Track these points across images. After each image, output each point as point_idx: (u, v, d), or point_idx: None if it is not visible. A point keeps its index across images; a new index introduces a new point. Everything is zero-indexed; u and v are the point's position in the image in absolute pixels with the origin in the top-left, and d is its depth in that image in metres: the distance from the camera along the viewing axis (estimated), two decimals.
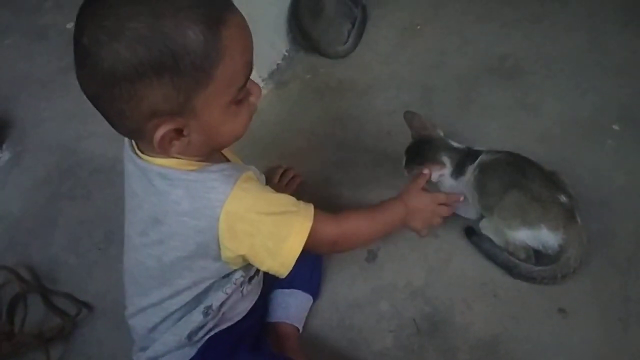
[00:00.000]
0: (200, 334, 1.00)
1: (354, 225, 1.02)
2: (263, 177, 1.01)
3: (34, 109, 1.92)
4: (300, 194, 1.41)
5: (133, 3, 0.69)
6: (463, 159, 1.25)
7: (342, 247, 1.06)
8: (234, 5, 0.77)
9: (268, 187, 0.91)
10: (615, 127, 1.39)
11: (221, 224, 0.82)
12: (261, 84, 1.73)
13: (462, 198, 1.22)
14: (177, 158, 0.83)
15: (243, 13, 1.56)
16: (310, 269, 1.27)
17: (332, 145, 1.57)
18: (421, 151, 1.28)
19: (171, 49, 0.69)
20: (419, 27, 1.80)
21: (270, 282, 1.23)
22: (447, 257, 1.28)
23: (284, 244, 0.86)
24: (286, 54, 1.82)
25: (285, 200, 0.90)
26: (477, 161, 1.23)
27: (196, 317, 0.97)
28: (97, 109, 0.77)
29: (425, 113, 1.53)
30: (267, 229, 0.86)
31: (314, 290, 1.27)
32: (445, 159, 1.25)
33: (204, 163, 0.86)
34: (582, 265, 1.16)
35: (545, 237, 1.14)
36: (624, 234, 1.22)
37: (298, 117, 1.68)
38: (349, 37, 1.78)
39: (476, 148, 1.28)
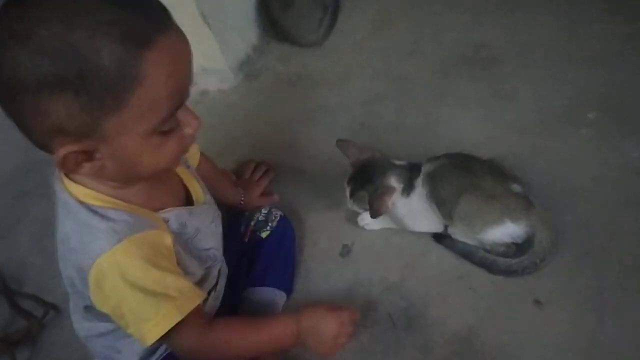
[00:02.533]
0: (154, 358, 0.97)
1: (225, 337, 0.91)
2: (194, 230, 0.94)
3: None
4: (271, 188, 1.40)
5: (49, 8, 0.63)
6: (409, 174, 1.20)
7: (206, 357, 0.93)
8: (171, 23, 0.70)
9: (160, 263, 0.80)
10: (590, 116, 1.39)
11: (91, 276, 0.77)
12: (231, 76, 1.72)
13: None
14: (88, 186, 0.79)
15: (212, 5, 1.54)
16: (282, 265, 1.26)
17: (304, 137, 1.55)
18: (367, 177, 1.21)
19: (79, 66, 0.62)
20: (392, 16, 1.77)
21: (242, 280, 1.22)
22: (422, 251, 1.27)
23: (144, 326, 0.79)
24: (256, 43, 1.79)
25: (170, 282, 0.80)
26: (421, 174, 1.20)
27: (139, 347, 0.94)
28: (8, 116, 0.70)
29: (400, 104, 1.53)
30: (131, 303, 0.78)
31: (287, 286, 1.25)
32: (394, 181, 1.19)
33: (115, 200, 0.80)
34: (556, 247, 1.16)
35: (512, 230, 1.13)
36: (598, 224, 1.21)
37: (270, 109, 1.66)
38: (320, 26, 1.75)
39: (414, 161, 1.23)
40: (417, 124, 1.48)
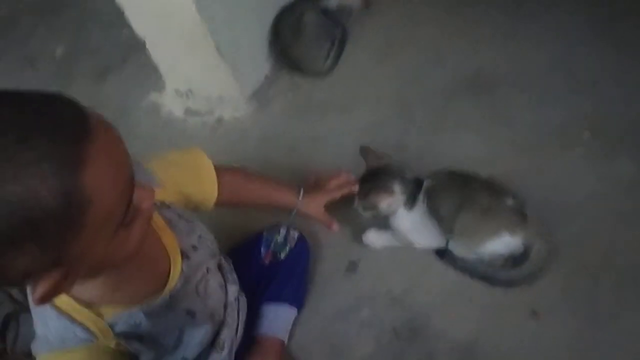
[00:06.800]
0: None
1: None
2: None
3: None
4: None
5: None
6: (414, 189, 1.27)
7: None
8: (90, 120, 0.61)
9: None
10: (584, 136, 1.44)
11: None
12: (245, 103, 1.80)
13: None
14: None
15: (225, 37, 1.63)
16: (296, 283, 1.32)
17: (313, 160, 1.62)
18: (375, 177, 1.30)
19: (24, 217, 0.54)
20: (396, 45, 1.85)
21: (258, 296, 1.28)
22: (424, 266, 1.32)
23: None
24: (268, 73, 1.88)
25: None
26: (422, 189, 1.26)
27: None
28: None
29: (404, 127, 1.60)
30: None
31: (299, 303, 1.31)
32: (396, 187, 1.26)
33: (67, 300, 0.80)
34: (553, 257, 1.21)
35: (508, 241, 1.18)
36: (593, 238, 1.26)
37: (281, 135, 1.74)
38: (329, 55, 1.83)
39: (421, 177, 1.30)
40: (420, 146, 1.55)
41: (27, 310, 1.40)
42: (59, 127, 0.58)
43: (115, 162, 0.63)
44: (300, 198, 1.31)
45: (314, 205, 1.32)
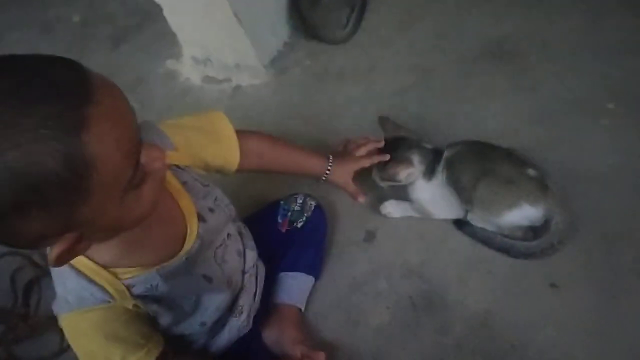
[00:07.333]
0: None
1: None
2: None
3: None
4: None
5: None
6: (433, 159, 1.26)
7: None
8: (92, 82, 0.60)
9: (110, 331, 0.87)
10: (610, 106, 1.41)
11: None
12: (263, 71, 1.79)
13: None
14: None
15: (244, 4, 1.61)
16: (313, 252, 1.31)
17: (332, 129, 1.60)
18: (392, 148, 1.29)
19: (28, 183, 0.55)
20: (417, 11, 1.82)
21: (276, 265, 1.28)
22: (442, 237, 1.31)
23: None
24: (287, 40, 1.86)
25: (113, 351, 0.87)
26: (442, 159, 1.25)
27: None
28: None
29: (423, 96, 1.58)
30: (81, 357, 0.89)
31: (317, 272, 1.31)
32: (415, 158, 1.26)
33: (84, 261, 0.82)
34: (573, 229, 1.20)
35: (529, 213, 1.17)
36: (614, 210, 1.24)
37: (299, 103, 1.72)
38: (348, 22, 1.81)
39: (439, 147, 1.29)
40: (439, 116, 1.53)
41: (49, 274, 1.43)
42: (59, 90, 0.57)
43: (118, 123, 0.62)
44: (329, 166, 1.28)
45: (342, 175, 1.30)
